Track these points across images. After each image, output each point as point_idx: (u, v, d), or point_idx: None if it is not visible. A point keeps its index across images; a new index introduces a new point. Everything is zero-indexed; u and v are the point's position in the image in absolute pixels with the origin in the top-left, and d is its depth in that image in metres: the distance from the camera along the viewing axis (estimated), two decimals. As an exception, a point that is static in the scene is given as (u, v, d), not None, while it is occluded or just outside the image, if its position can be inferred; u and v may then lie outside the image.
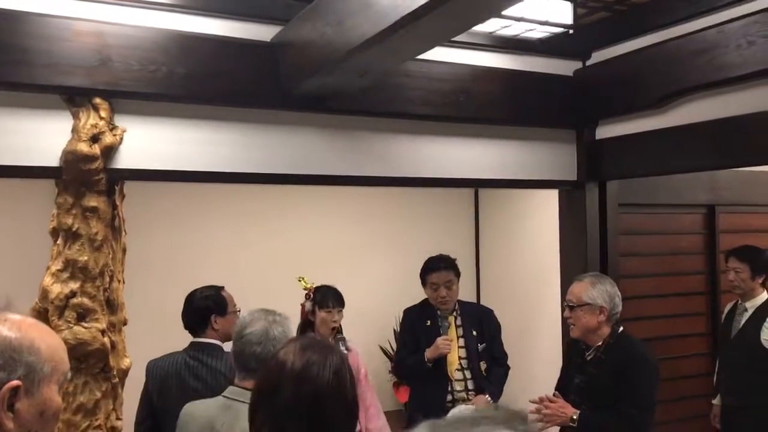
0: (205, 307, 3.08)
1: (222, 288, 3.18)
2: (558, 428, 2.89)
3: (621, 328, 2.96)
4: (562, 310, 4.20)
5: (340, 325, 3.74)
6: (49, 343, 1.25)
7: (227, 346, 2.98)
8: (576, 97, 3.98)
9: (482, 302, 5.14)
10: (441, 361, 3.67)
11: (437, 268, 3.75)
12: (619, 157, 3.93)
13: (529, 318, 4.81)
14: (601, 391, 2.85)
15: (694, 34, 3.38)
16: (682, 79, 3.46)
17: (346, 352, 3.58)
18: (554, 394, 2.96)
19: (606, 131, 4.03)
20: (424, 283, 3.80)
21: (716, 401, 4.14)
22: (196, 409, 2.19)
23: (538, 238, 4.79)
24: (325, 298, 3.63)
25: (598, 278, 3.01)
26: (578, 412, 2.83)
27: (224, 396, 2.16)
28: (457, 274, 3.80)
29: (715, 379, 4.22)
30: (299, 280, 3.72)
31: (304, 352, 1.59)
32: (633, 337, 3.03)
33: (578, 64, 4.07)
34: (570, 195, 4.18)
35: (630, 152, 3.87)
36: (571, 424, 2.81)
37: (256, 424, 1.59)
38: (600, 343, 2.92)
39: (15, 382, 1.17)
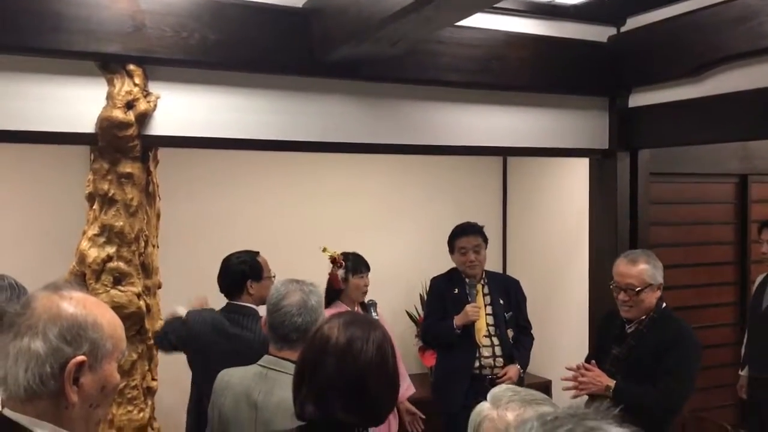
0: (241, 272, 3.14)
1: (257, 253, 3.23)
2: (586, 397, 2.91)
3: (664, 304, 2.95)
4: (590, 280, 4.23)
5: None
6: (109, 320, 1.29)
7: (262, 310, 3.05)
8: (609, 64, 3.92)
9: (509, 272, 5.15)
10: (469, 327, 3.72)
11: (465, 232, 3.79)
12: (653, 125, 3.88)
13: (556, 287, 4.81)
14: (639, 364, 2.85)
15: (734, 0, 3.29)
16: (720, 47, 3.39)
17: (376, 317, 3.64)
18: (590, 363, 2.97)
19: (640, 99, 3.97)
20: (452, 249, 3.83)
21: (743, 372, 4.14)
22: (232, 377, 2.23)
23: (566, 207, 4.76)
24: (357, 264, 3.69)
25: (649, 255, 2.97)
26: (614, 381, 2.83)
27: (260, 365, 2.20)
28: (485, 240, 3.83)
29: (743, 350, 4.22)
30: (323, 251, 3.75)
31: (347, 328, 1.63)
32: (674, 313, 3.02)
33: (612, 31, 3.99)
34: (601, 164, 4.14)
35: (664, 121, 3.81)
36: (606, 393, 2.82)
37: (300, 397, 1.63)
38: (644, 317, 2.92)
39: (81, 358, 1.22)
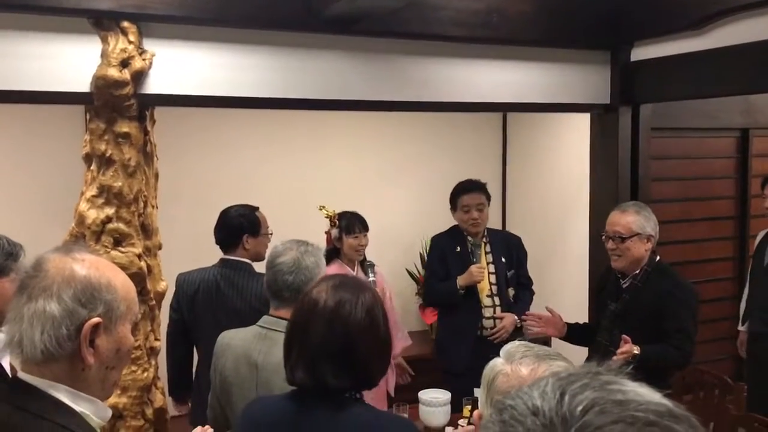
0: (238, 225, 3.14)
1: (257, 208, 3.22)
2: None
3: (658, 258, 2.96)
4: (591, 236, 4.23)
5: (364, 254, 3.79)
6: (123, 282, 1.28)
7: (257, 266, 3.06)
8: (611, 18, 3.85)
9: (508, 228, 5.16)
10: (472, 287, 3.70)
11: (469, 189, 3.74)
12: (655, 80, 3.83)
13: (556, 244, 4.82)
14: (635, 318, 2.87)
15: (739, -51, 3.22)
16: (724, -1, 3.34)
17: (373, 278, 3.65)
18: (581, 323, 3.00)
19: (642, 53, 3.90)
20: (454, 207, 3.78)
21: (743, 328, 4.17)
22: (232, 339, 2.24)
23: (566, 163, 4.74)
24: (351, 223, 3.67)
25: (641, 206, 2.99)
26: (638, 348, 2.74)
27: (259, 325, 2.21)
28: (488, 198, 3.80)
29: (742, 305, 4.24)
30: (320, 209, 3.74)
31: (336, 291, 1.61)
32: (670, 267, 3.03)
33: (615, -18, 3.92)
34: (602, 119, 4.10)
35: (666, 75, 3.76)
36: (633, 360, 2.74)
37: (291, 360, 1.62)
38: (637, 271, 2.92)
39: (96, 319, 1.21)
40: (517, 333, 3.71)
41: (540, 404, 0.61)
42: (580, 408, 0.59)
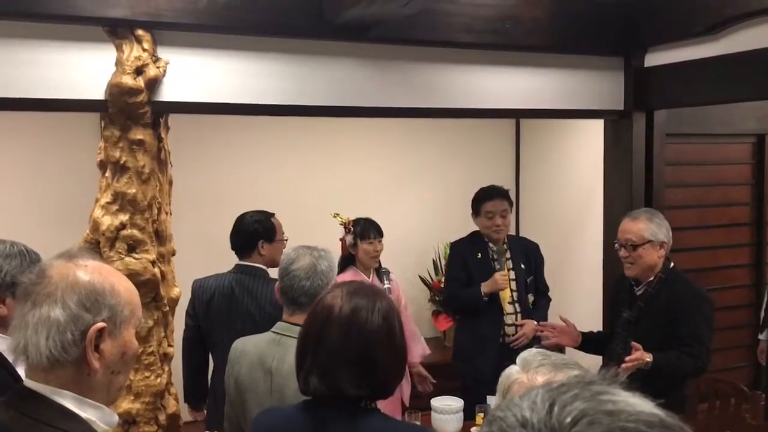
0: (253, 231, 3.15)
1: (272, 215, 3.24)
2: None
3: (672, 264, 2.94)
4: (605, 243, 4.20)
5: (380, 261, 3.79)
6: (126, 287, 1.28)
7: (273, 272, 3.07)
8: (625, 23, 3.83)
9: (521, 235, 5.13)
10: (494, 294, 3.69)
11: (492, 196, 3.74)
12: (669, 85, 3.80)
13: (570, 251, 4.79)
14: (649, 326, 2.84)
15: (754, -46, 3.20)
16: (739, 4, 3.31)
17: (388, 285, 3.64)
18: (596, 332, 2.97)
19: (655, 59, 3.88)
20: (477, 212, 3.78)
21: (763, 336, 4.12)
22: (246, 345, 2.23)
23: (580, 169, 4.72)
24: (366, 229, 3.67)
25: (653, 213, 2.97)
26: (651, 356, 2.72)
27: (273, 331, 2.20)
28: (511, 204, 3.80)
29: (762, 313, 4.19)
30: (335, 216, 3.74)
31: (351, 297, 1.56)
32: (684, 273, 3.00)
33: (628, -12, 3.90)
34: (616, 125, 4.07)
35: (680, 81, 3.74)
36: (645, 367, 2.73)
37: (304, 371, 1.57)
38: (651, 279, 2.90)
39: (101, 324, 1.21)
40: (537, 339, 3.69)
41: (529, 416, 0.60)
42: (569, 419, 0.58)
